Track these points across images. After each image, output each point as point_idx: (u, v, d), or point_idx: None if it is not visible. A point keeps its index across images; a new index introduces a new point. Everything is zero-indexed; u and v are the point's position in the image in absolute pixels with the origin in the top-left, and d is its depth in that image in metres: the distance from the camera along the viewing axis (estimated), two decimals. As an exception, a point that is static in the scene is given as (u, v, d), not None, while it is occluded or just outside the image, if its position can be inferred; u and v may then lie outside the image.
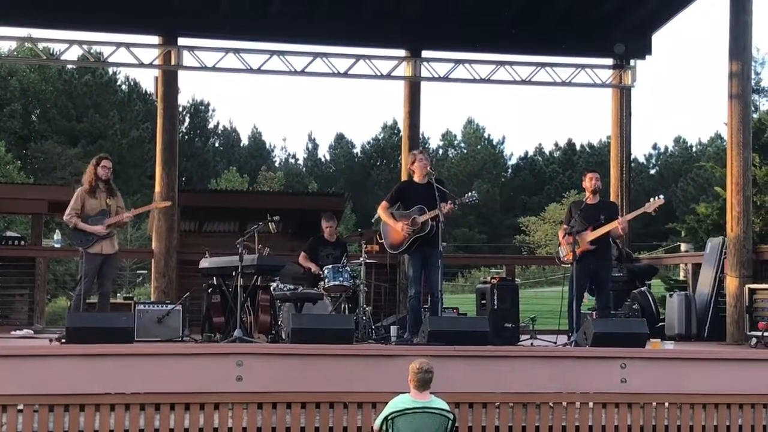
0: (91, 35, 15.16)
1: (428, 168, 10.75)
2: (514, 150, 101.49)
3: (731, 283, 11.94)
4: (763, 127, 22.31)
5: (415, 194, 10.74)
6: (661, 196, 11.07)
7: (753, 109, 17.48)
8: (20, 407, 8.27)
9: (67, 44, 14.75)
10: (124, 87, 60.43)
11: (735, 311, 11.81)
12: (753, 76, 17.97)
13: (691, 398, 9.23)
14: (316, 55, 15.09)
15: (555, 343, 10.75)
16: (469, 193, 10.90)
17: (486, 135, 77.40)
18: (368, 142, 75.00)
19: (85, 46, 15.42)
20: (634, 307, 12.98)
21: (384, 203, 11.01)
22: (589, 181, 11.22)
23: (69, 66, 51.42)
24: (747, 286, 11.61)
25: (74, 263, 11.02)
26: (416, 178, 10.89)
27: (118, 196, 11.08)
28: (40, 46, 16.58)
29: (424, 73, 15.59)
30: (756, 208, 18.89)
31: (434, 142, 73.69)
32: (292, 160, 78.09)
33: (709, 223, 21.96)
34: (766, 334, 10.98)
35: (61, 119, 52.90)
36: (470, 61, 15.62)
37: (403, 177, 15.31)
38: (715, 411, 9.26)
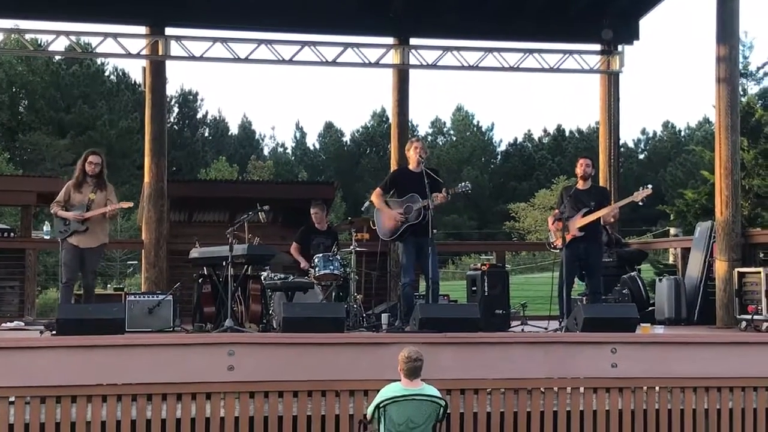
0: (78, 26, 15.12)
1: (421, 155, 10.76)
2: (504, 136, 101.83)
3: (720, 267, 11.98)
4: (751, 111, 22.35)
5: (408, 182, 10.78)
6: (649, 186, 11.12)
7: (741, 93, 17.49)
8: (12, 399, 8.27)
9: (54, 35, 14.69)
10: (112, 77, 60.27)
11: (724, 295, 11.84)
12: (740, 60, 18.01)
13: (681, 382, 9.27)
14: (304, 43, 15.07)
15: (546, 328, 10.77)
16: (462, 183, 10.93)
17: (475, 122, 77.44)
18: (357, 131, 75.00)
19: (72, 37, 15.36)
20: (623, 292, 13.02)
21: (378, 190, 11.06)
22: (579, 167, 11.28)
23: (56, 57, 51.23)
24: (736, 269, 11.65)
25: (59, 252, 11.04)
26: (411, 166, 10.92)
27: (108, 190, 11.08)
28: (27, 37, 16.50)
29: (413, 60, 15.57)
30: (744, 192, 18.97)
31: (423, 130, 73.72)
32: (281, 149, 78.06)
33: (698, 208, 22.06)
34: (755, 317, 11.03)
35: (49, 110, 52.69)
36: (458, 48, 15.61)
37: (393, 165, 15.39)
38: (706, 394, 9.30)
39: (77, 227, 10.81)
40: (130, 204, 11.38)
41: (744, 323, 11.24)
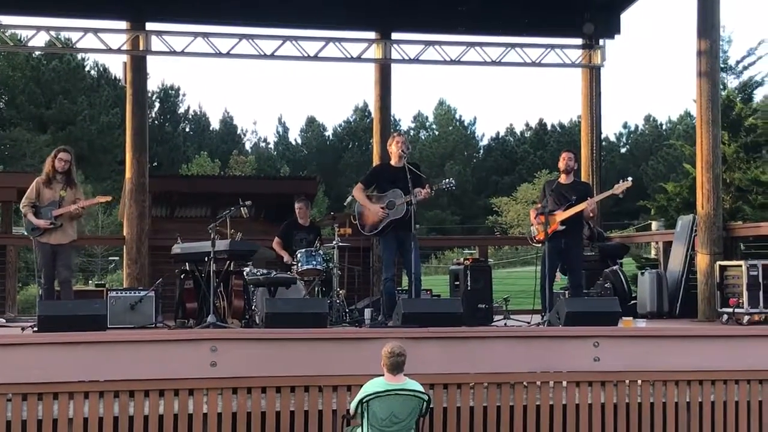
0: (58, 21, 15.01)
1: (403, 150, 10.75)
2: (486, 131, 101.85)
3: (702, 261, 12.01)
4: (731, 105, 22.40)
5: (390, 177, 10.78)
6: (629, 179, 11.19)
7: (721, 86, 17.53)
8: (-7, 397, 8.25)
9: (34, 30, 14.61)
10: (92, 72, 60.04)
11: (706, 288, 11.88)
12: (721, 54, 18.06)
13: (663, 375, 9.31)
14: (285, 38, 15.04)
15: (528, 323, 10.79)
16: (446, 180, 10.93)
17: (457, 116, 77.42)
18: (340, 125, 74.87)
19: (52, 32, 15.28)
20: (606, 285, 13.04)
21: (359, 185, 11.06)
22: (562, 161, 11.32)
23: (36, 52, 51.00)
24: (718, 263, 11.67)
25: (35, 254, 11.03)
26: (392, 161, 10.92)
27: (77, 187, 11.09)
28: (7, 32, 16.41)
29: (395, 55, 15.57)
30: (725, 186, 19.03)
31: (405, 124, 73.67)
32: (263, 144, 77.87)
33: (679, 201, 22.09)
34: (737, 310, 11.07)
35: (30, 106, 52.49)
36: (440, 43, 15.61)
37: (375, 159, 15.38)
38: (688, 388, 9.34)
39: (49, 225, 10.78)
40: (108, 198, 11.37)
41: (725, 316, 11.28)
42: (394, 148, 10.87)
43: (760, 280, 11.01)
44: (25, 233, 15.96)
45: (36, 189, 10.94)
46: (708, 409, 9.38)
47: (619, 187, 11.03)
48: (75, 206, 10.81)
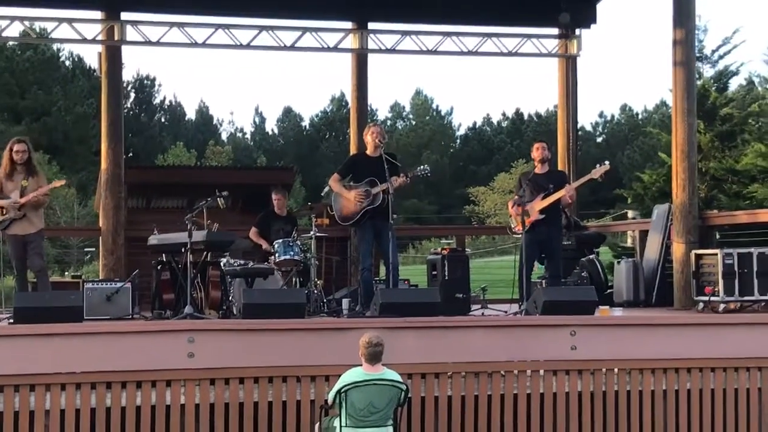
0: (32, 11, 14.92)
1: (379, 140, 10.75)
2: (463, 120, 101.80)
3: (678, 249, 12.06)
4: (706, 94, 22.48)
5: (366, 167, 10.77)
6: (606, 163, 11.27)
7: (697, 76, 17.59)
8: (-31, 389, 8.21)
9: (8, 20, 14.47)
10: (67, 63, 59.74)
11: (682, 277, 11.93)
12: (696, 43, 18.12)
13: (640, 363, 9.36)
14: (261, 28, 14.98)
15: (506, 312, 10.81)
16: (422, 167, 10.94)
17: (434, 106, 77.54)
18: (317, 115, 74.82)
19: (26, 22, 15.19)
20: (582, 275, 13.08)
21: (335, 175, 11.05)
22: (536, 151, 11.35)
23: (10, 42, 50.65)
24: (693, 251, 11.73)
25: (2, 247, 10.98)
26: (368, 151, 10.91)
27: (40, 176, 11.03)
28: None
29: (371, 45, 15.54)
30: (701, 175, 19.11)
31: (382, 114, 73.70)
32: (239, 134, 77.71)
33: (655, 190, 22.18)
34: (712, 298, 11.13)
35: (4, 96, 52.15)
36: (417, 33, 15.60)
37: (353, 149, 15.36)
38: (664, 376, 9.39)
39: (15, 215, 10.72)
40: (63, 182, 11.30)
41: (701, 305, 11.34)
42: (370, 138, 10.86)
43: (736, 268, 11.07)
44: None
45: None
46: (684, 397, 9.43)
47: (597, 171, 11.08)
48: (37, 191, 10.76)
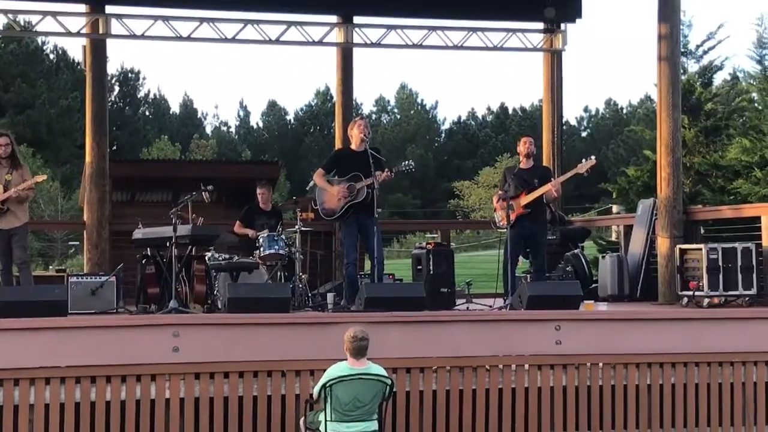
0: (16, 4, 14.89)
1: (365, 134, 10.73)
2: (447, 114, 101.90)
3: (662, 244, 12.09)
4: (691, 89, 22.50)
5: (351, 162, 10.75)
6: (593, 157, 11.28)
7: (682, 71, 17.62)
8: (-47, 383, 8.17)
9: (-8, 13, 14.47)
10: (51, 56, 59.49)
11: (666, 271, 11.96)
12: (681, 38, 18.15)
13: (624, 358, 9.38)
14: (246, 22, 14.96)
15: (491, 306, 10.82)
16: (406, 162, 10.93)
17: (419, 100, 77.51)
18: (301, 109, 74.74)
19: (10, 15, 15.12)
20: (567, 269, 13.10)
21: (320, 170, 11.04)
22: (522, 146, 11.36)
23: (-7, 35, 50.48)
24: (678, 246, 11.75)
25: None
26: (353, 146, 10.89)
27: (23, 169, 11.00)
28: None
29: (356, 39, 15.53)
30: (685, 170, 19.14)
31: (367, 108, 73.63)
32: (224, 128, 77.55)
33: (640, 185, 22.20)
34: (696, 293, 11.16)
35: (-12, 89, 51.98)
36: (402, 27, 15.60)
37: (338, 143, 15.35)
38: (648, 370, 9.42)
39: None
40: (44, 177, 11.24)
41: (686, 299, 11.37)
42: (355, 132, 10.84)
43: (720, 263, 11.10)
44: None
45: None
46: (668, 392, 9.46)
47: (584, 166, 11.10)
48: (19, 186, 10.72)
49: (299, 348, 8.85)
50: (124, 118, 62.85)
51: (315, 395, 7.85)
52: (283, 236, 11.35)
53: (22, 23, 16.85)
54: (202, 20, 14.78)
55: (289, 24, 15.14)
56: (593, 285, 13.15)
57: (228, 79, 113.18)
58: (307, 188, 12.33)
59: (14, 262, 10.95)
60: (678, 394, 9.48)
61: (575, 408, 9.29)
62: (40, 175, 11.09)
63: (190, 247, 10.94)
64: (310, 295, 11.28)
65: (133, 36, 14.65)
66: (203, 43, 15.32)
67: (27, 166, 11.16)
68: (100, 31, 14.36)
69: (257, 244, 11.33)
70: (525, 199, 11.01)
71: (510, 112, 73.68)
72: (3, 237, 10.77)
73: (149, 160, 39.45)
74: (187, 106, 74.64)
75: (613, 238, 19.55)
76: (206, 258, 10.90)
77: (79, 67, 53.89)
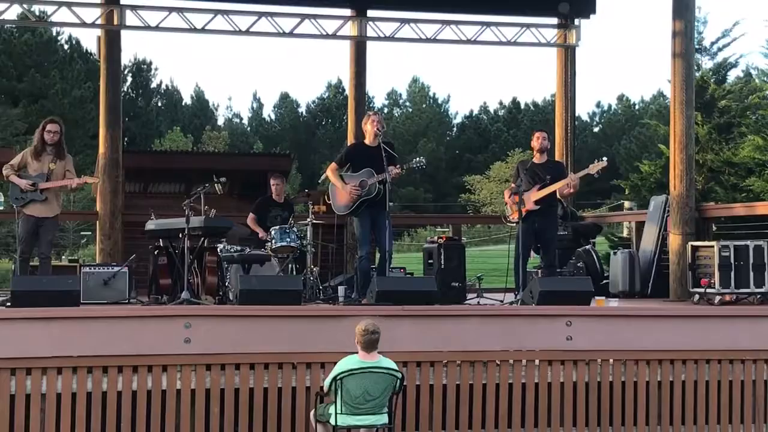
0: (31, -6, 14.91)
1: (378, 128, 10.73)
2: (459, 109, 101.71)
3: (674, 241, 12.08)
4: (705, 86, 22.51)
5: (364, 156, 10.76)
6: (604, 159, 11.27)
7: (696, 68, 17.60)
8: (-34, 372, 8.21)
9: (7, 3, 14.45)
10: (65, 46, 59.57)
11: (678, 268, 11.95)
12: (696, 35, 18.11)
13: (635, 354, 9.36)
14: (261, 14, 14.97)
15: (501, 301, 10.83)
16: (417, 158, 10.92)
17: (431, 94, 77.49)
18: (313, 102, 74.73)
19: (26, 5, 15.16)
20: (578, 265, 13.10)
21: (333, 165, 11.07)
22: (536, 140, 11.34)
23: (8, 25, 50.48)
24: (690, 243, 11.74)
25: (17, 225, 10.89)
26: (367, 140, 10.90)
27: (67, 159, 10.93)
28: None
29: (370, 32, 15.52)
30: (698, 166, 19.14)
31: (379, 101, 73.71)
32: (236, 120, 77.67)
33: (653, 181, 22.23)
34: (708, 290, 11.15)
35: (1, 79, 52.01)
36: (416, 21, 15.59)
37: (349, 136, 15.38)
38: (659, 367, 9.40)
39: (35, 195, 10.64)
40: (96, 179, 11.21)
41: (697, 296, 11.36)
42: (369, 127, 10.84)
43: (732, 260, 11.09)
44: (1, 207, 15.91)
45: (23, 158, 10.83)
46: (679, 389, 9.44)
47: (594, 167, 11.08)
48: (66, 181, 10.71)
49: (310, 340, 8.86)
50: (137, 109, 62.98)
51: (326, 388, 7.87)
52: (295, 228, 11.37)
53: (37, 13, 16.86)
54: (216, 12, 14.79)
55: (303, 17, 15.14)
56: (604, 281, 13.14)
57: (241, 70, 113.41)
58: (320, 181, 12.35)
59: (38, 254, 10.93)
60: (688, 391, 9.46)
61: (585, 404, 9.28)
62: (90, 177, 11.02)
63: (202, 238, 10.96)
64: (321, 287, 11.30)
65: (147, 27, 14.67)
66: (217, 35, 15.34)
67: (70, 157, 11.09)
68: (115, 23, 14.38)
69: (269, 237, 11.35)
70: (536, 195, 11.00)
71: (522, 106, 73.59)
72: (31, 223, 10.71)
73: (162, 151, 39.48)
74: (199, 97, 74.74)
75: (625, 234, 19.56)
76: (218, 249, 10.92)
77: (92, 57, 54.08)
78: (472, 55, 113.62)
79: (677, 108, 12.15)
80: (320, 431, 8.11)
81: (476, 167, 59.62)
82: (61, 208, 11.16)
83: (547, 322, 9.38)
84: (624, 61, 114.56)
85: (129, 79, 66.19)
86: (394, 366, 7.87)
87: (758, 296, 11.14)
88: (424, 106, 75.20)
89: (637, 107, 72.65)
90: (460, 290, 11.42)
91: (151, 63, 70.03)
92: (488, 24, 15.71)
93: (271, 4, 15.21)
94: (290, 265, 11.44)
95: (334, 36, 15.46)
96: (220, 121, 75.14)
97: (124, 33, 14.72)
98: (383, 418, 7.77)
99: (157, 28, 14.70)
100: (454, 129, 75.18)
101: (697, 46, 21.22)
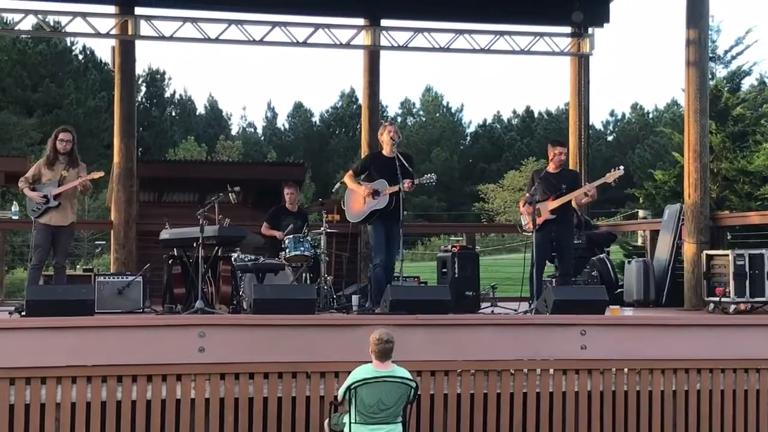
0: (47, 5, 14.96)
1: (394, 138, 10.72)
2: (473, 118, 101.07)
3: (689, 250, 12.05)
4: (719, 95, 22.47)
5: (381, 167, 10.75)
6: (621, 167, 11.19)
7: (710, 76, 17.58)
8: (-19, 381, 8.23)
9: (22, 14, 14.55)
10: (79, 56, 59.77)
11: (692, 277, 11.92)
12: (709, 43, 18.09)
13: (649, 363, 9.34)
14: (274, 24, 15.01)
15: (516, 310, 10.81)
16: (428, 175, 10.88)
17: (445, 103, 77.40)
18: (327, 111, 74.81)
19: (40, 16, 15.23)
20: (593, 274, 13.08)
21: (350, 172, 11.08)
22: (557, 156, 11.17)
23: (23, 35, 50.71)
24: (704, 252, 11.72)
25: (31, 234, 10.93)
26: (384, 151, 10.89)
27: (81, 167, 10.97)
28: (-5, 16, 16.35)
29: (384, 41, 15.54)
30: (713, 175, 19.09)
31: (393, 110, 73.67)
32: (250, 129, 77.77)
33: (667, 190, 22.18)
34: (723, 299, 11.12)
35: (16, 89, 52.19)
36: (429, 30, 15.60)
37: (363, 146, 15.39)
38: (674, 376, 9.38)
39: (51, 203, 10.69)
40: (101, 173, 11.27)
41: (712, 305, 11.33)
42: (386, 137, 10.83)
43: (747, 269, 11.07)
44: (15, 216, 15.97)
45: (37, 169, 10.89)
46: (694, 398, 9.42)
47: (611, 176, 11.02)
48: (74, 182, 10.74)
49: (324, 350, 8.87)
50: (151, 119, 63.10)
51: (339, 397, 7.87)
52: (309, 238, 11.37)
53: (51, 24, 16.93)
54: (230, 22, 14.83)
55: (317, 26, 15.17)
56: (619, 290, 13.11)
57: (254, 80, 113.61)
58: (333, 190, 12.36)
59: (53, 264, 10.96)
60: (703, 400, 9.44)
61: (599, 413, 9.26)
62: (96, 172, 11.09)
63: (216, 247, 10.98)
64: (335, 296, 11.30)
65: (162, 37, 14.72)
66: (231, 45, 15.38)
67: (84, 165, 11.14)
68: (129, 33, 14.44)
69: (283, 246, 11.36)
70: (552, 205, 10.97)
71: (536, 115, 73.49)
72: (48, 232, 10.73)
73: (176, 160, 39.58)
74: (213, 107, 74.87)
75: (639, 243, 19.51)
76: (232, 259, 10.94)
77: (106, 67, 54.21)
78: (485, 64, 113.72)
79: (691, 117, 12.13)
80: (334, 440, 8.12)
81: (490, 176, 59.56)
82: (76, 215, 11.20)
83: (561, 331, 9.37)
84: (638, 69, 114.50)
85: (143, 88, 66.30)
86: (408, 375, 7.87)
87: (773, 305, 11.10)
88: (437, 115, 75.17)
89: (651, 116, 72.52)
90: (474, 299, 11.42)
91: (165, 73, 70.22)
92: (501, 33, 15.71)
93: (285, 14, 15.24)
94: (304, 274, 11.45)
95: (347, 45, 15.48)
96: (234, 131, 75.26)
97: (138, 43, 14.78)
98: (397, 428, 7.76)
99: (171, 38, 14.74)
100: (468, 138, 75.11)
101: (710, 55, 21.18)
